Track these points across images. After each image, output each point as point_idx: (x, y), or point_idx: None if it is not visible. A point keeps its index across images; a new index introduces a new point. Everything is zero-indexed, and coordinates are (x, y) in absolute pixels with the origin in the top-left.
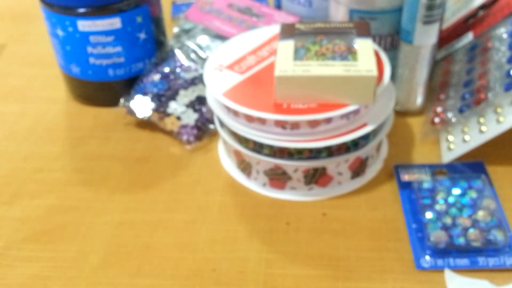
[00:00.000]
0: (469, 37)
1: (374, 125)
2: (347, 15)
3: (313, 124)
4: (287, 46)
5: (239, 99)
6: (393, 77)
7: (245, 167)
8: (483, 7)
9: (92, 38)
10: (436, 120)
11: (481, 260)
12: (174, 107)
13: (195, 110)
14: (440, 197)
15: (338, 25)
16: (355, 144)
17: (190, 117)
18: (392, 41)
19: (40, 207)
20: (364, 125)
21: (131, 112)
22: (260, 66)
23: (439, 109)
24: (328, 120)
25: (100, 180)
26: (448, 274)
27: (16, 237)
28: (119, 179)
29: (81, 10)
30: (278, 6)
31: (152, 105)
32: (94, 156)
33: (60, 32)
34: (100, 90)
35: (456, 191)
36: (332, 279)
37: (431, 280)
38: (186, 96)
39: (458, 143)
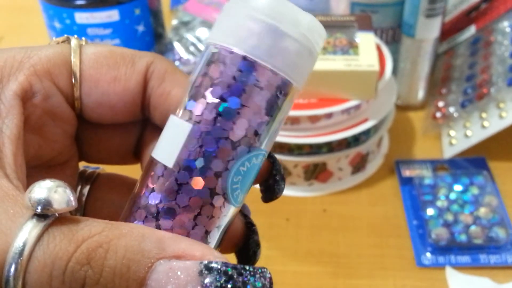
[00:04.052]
0: (471, 30)
1: (375, 120)
2: (349, 8)
3: (314, 119)
4: None
5: None
6: (394, 71)
7: None
8: None
9: (90, 31)
10: (438, 114)
11: (482, 257)
12: None
13: None
14: (441, 193)
15: (339, 18)
16: (356, 139)
17: None
18: (394, 34)
19: None
20: (365, 120)
21: None
22: None
23: (440, 104)
24: (329, 115)
25: None
26: (449, 271)
27: None
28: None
29: (79, 2)
30: None
31: None
32: None
33: (57, 25)
34: None
35: (458, 187)
36: (333, 276)
37: (432, 277)
38: None
39: (460, 138)
